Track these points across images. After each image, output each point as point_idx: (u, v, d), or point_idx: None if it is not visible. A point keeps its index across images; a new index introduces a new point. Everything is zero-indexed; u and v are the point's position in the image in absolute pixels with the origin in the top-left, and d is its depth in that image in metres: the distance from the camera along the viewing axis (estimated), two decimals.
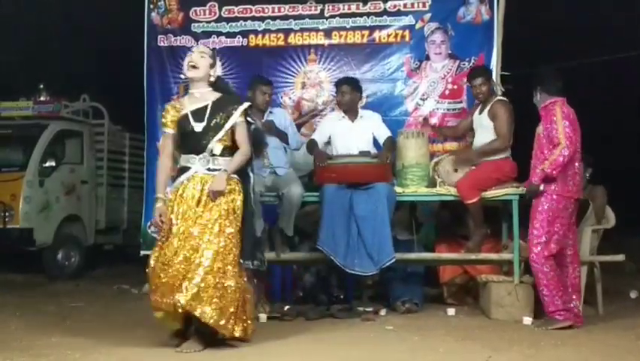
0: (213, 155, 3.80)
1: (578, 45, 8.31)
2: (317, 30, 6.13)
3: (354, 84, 5.30)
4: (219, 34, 6.21)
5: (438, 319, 4.85)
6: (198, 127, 3.80)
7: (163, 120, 3.91)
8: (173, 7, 6.26)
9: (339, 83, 5.36)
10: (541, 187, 4.39)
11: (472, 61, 5.87)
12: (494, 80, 5.45)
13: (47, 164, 7.66)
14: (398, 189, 5.03)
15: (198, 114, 3.82)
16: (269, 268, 5.48)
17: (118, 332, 4.31)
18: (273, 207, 5.09)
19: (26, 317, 4.99)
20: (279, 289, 5.47)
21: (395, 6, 6.00)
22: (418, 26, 5.99)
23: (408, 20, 6.00)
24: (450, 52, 5.96)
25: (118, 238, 8.83)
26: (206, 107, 3.83)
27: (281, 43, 6.15)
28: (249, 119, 3.93)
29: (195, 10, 6.26)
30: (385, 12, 6.03)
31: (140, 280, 6.75)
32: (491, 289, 4.84)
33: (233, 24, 6.20)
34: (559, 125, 4.35)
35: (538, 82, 4.53)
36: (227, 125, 3.82)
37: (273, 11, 6.16)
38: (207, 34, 6.21)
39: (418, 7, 5.98)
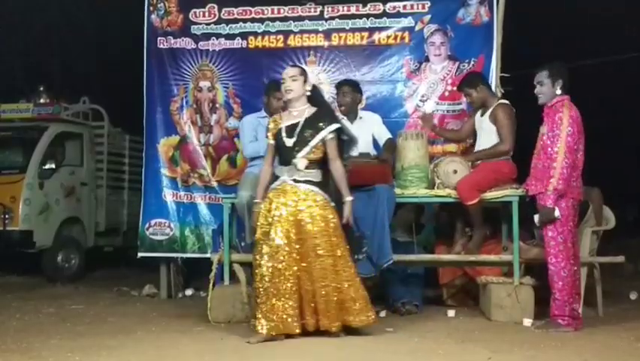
0: (298, 169, 4.07)
1: (579, 45, 8.32)
2: (316, 32, 6.11)
3: (354, 85, 5.33)
4: (219, 35, 6.20)
5: (438, 320, 4.84)
6: (289, 142, 4.11)
7: (267, 133, 4.28)
8: (173, 9, 6.25)
9: (340, 85, 5.39)
10: (556, 213, 4.33)
11: (472, 62, 5.86)
12: (490, 83, 5.42)
13: (47, 166, 7.68)
14: (397, 191, 5.02)
15: (291, 130, 4.14)
16: None
17: (118, 334, 4.30)
18: None
19: (26, 318, 5.00)
20: None
21: (394, 7, 5.99)
22: (417, 28, 5.97)
23: (407, 22, 5.99)
24: (449, 53, 5.95)
25: (118, 240, 8.84)
26: (298, 123, 4.12)
27: (280, 45, 6.14)
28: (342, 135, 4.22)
29: (195, 12, 6.25)
30: (385, 13, 6.01)
31: (139, 282, 6.78)
32: (491, 291, 4.83)
33: (233, 26, 6.19)
34: (562, 132, 4.31)
35: (559, 74, 4.43)
36: (313, 142, 4.10)
37: (273, 13, 6.15)
38: (207, 36, 6.20)
39: (418, 8, 5.97)
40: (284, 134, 4.13)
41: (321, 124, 4.13)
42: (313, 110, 4.18)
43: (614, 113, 10.78)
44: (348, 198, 4.17)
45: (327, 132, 4.11)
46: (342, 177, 4.18)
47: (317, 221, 4.05)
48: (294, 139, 4.11)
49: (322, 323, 4.03)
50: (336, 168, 4.16)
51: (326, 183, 4.18)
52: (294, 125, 4.14)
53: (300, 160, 4.08)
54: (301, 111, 4.17)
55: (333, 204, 4.16)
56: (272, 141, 4.21)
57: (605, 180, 5.88)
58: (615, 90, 10.42)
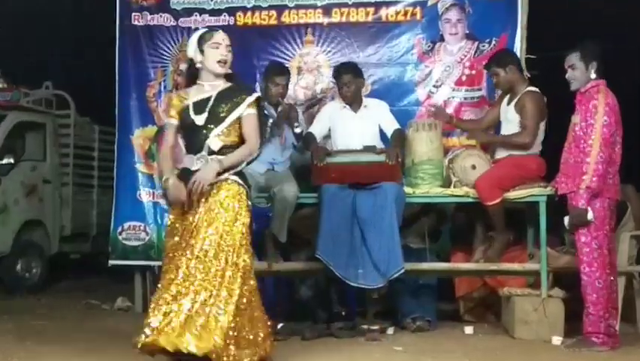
0: (212, 152, 3.79)
1: (617, 23, 8.28)
2: (314, 7, 6.09)
3: (355, 71, 5.27)
4: (202, 11, 6.17)
5: (454, 338, 4.83)
6: (199, 120, 3.82)
7: (166, 109, 3.96)
8: None
9: (337, 74, 5.30)
10: (590, 215, 4.31)
11: (494, 42, 5.84)
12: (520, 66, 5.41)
13: (4, 161, 7.68)
14: (407, 190, 5.01)
15: (200, 106, 3.84)
16: (260, 281, 5.49)
17: (86, 355, 4.27)
18: (264, 210, 5.08)
19: None
20: (273, 304, 5.45)
21: None
22: (430, 2, 5.95)
23: None
24: (467, 32, 5.93)
25: (86, 245, 8.85)
26: (209, 98, 3.86)
27: (273, 22, 6.12)
28: (265, 111, 4.04)
29: None
30: None
31: (111, 294, 6.76)
32: (515, 304, 4.83)
33: (219, 0, 6.18)
34: (597, 122, 4.30)
35: (593, 56, 4.41)
36: (230, 119, 3.83)
37: None
38: (188, 12, 6.18)
39: None
40: (192, 111, 3.83)
41: (236, 99, 3.86)
42: (228, 84, 3.95)
43: None
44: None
45: (245, 106, 3.86)
46: (243, 155, 3.86)
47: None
48: (204, 115, 3.82)
49: None
50: (249, 146, 3.85)
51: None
52: (205, 101, 3.85)
53: (214, 140, 3.80)
54: (214, 86, 3.90)
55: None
56: (175, 121, 3.90)
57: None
58: None
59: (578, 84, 4.46)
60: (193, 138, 3.85)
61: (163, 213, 6.09)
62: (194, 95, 3.89)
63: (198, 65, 3.90)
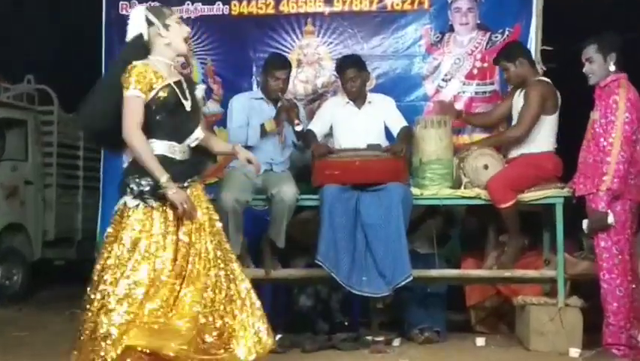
0: (191, 147, 3.75)
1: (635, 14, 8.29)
2: None
3: (359, 64, 5.28)
4: (195, 0, 6.20)
5: (464, 350, 4.85)
6: (188, 105, 3.72)
7: (135, 79, 3.57)
8: None
9: (341, 68, 5.31)
10: (610, 219, 4.32)
11: (507, 33, 5.86)
12: (533, 58, 5.43)
13: None
14: (415, 191, 5.03)
15: (181, 89, 3.71)
16: (257, 289, 5.51)
17: None
18: (261, 213, 5.10)
19: None
20: (270, 314, 5.46)
21: None
22: None
23: None
24: (479, 22, 5.96)
25: (71, 251, 8.84)
26: (181, 81, 3.76)
27: (271, 11, 6.14)
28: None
29: None
30: None
31: None
32: (530, 314, 4.85)
33: None
34: (618, 119, 4.31)
35: (612, 47, 4.42)
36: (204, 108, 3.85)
37: None
38: (180, 1, 6.20)
39: None
40: (180, 94, 3.66)
41: (195, 89, 3.85)
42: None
43: None
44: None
45: (200, 96, 3.88)
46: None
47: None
48: (189, 101, 3.71)
49: None
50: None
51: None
52: (180, 84, 3.72)
53: (199, 131, 3.75)
54: (175, 68, 3.84)
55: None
56: (143, 96, 3.57)
57: None
58: None
59: (596, 78, 4.47)
60: (178, 123, 3.70)
61: None
62: (167, 73, 3.69)
63: (165, 41, 3.71)
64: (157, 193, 3.55)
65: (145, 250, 3.50)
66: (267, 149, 5.17)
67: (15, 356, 4.77)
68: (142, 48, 3.73)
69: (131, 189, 3.57)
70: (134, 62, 3.63)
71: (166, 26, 3.76)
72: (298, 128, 5.16)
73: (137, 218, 3.55)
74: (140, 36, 3.74)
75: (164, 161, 3.61)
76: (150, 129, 3.62)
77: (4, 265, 7.76)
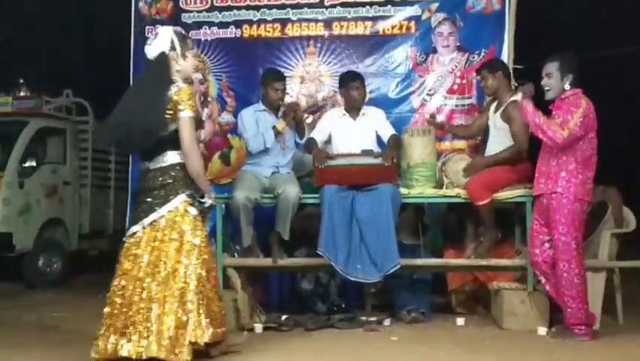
0: None
1: (594, 36, 8.30)
2: (316, 20, 6.12)
3: (362, 77, 5.35)
4: (211, 24, 6.20)
5: (446, 329, 4.84)
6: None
7: (191, 103, 3.69)
8: None
9: (349, 79, 5.29)
10: (518, 97, 4.49)
11: (483, 54, 5.87)
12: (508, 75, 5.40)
13: (27, 164, 7.64)
14: (403, 191, 5.02)
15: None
16: (265, 276, 5.51)
17: None
18: (271, 210, 5.09)
19: (4, 328, 4.97)
20: (276, 298, 5.46)
21: None
22: (424, 17, 5.98)
23: (414, 10, 6.00)
24: (458, 44, 5.95)
25: (103, 243, 8.81)
26: None
27: (277, 34, 6.14)
28: None
29: None
30: (390, 1, 6.02)
31: None
32: (503, 297, 4.84)
33: (226, 13, 6.19)
34: (575, 116, 4.30)
35: (570, 68, 4.41)
36: None
37: (269, 0, 6.15)
38: (198, 25, 6.20)
39: None
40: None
41: None
42: None
43: (633, 107, 10.75)
44: None
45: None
46: None
47: None
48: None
49: None
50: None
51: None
52: None
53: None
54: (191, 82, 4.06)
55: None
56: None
57: (623, 179, 5.87)
58: (635, 83, 10.40)
59: (552, 94, 4.47)
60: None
61: None
62: None
63: (177, 67, 3.79)
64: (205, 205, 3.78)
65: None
66: (273, 154, 5.16)
67: (55, 333, 4.76)
68: (168, 67, 3.78)
69: (199, 202, 3.73)
70: (181, 85, 3.73)
71: (184, 56, 3.82)
72: (309, 120, 5.14)
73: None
74: (164, 54, 3.76)
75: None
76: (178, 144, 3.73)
77: (46, 254, 7.74)
